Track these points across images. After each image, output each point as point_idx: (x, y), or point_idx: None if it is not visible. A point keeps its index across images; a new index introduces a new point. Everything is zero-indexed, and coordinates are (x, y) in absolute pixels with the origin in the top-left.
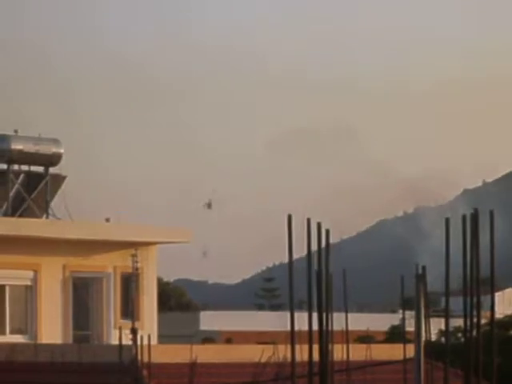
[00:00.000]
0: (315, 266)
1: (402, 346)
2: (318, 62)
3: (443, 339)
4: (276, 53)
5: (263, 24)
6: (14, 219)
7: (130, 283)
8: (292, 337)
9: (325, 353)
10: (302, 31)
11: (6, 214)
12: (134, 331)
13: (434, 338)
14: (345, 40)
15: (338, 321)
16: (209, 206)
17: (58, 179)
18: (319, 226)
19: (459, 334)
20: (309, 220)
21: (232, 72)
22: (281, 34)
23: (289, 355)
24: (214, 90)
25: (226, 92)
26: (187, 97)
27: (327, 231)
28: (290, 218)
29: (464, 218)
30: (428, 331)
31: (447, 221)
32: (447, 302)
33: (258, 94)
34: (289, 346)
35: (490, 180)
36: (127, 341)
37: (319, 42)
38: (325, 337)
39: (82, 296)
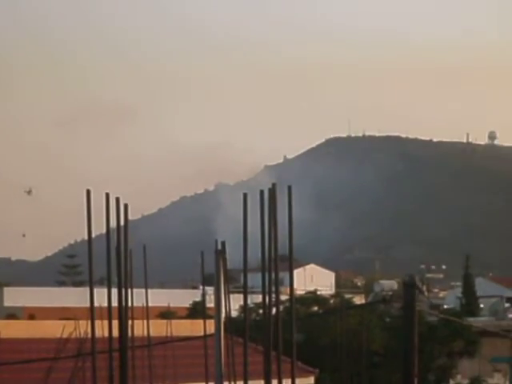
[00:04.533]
0: (115, 242)
1: (202, 321)
2: (97, 41)
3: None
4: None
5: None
6: None
7: None
8: (91, 312)
9: (124, 329)
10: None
11: None
12: None
13: (235, 314)
14: (123, 22)
15: (138, 297)
16: (29, 192)
17: None
18: (118, 200)
19: (260, 311)
20: (107, 195)
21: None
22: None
23: (90, 331)
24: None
25: (9, 68)
26: None
27: (125, 206)
28: (88, 192)
29: (262, 193)
30: (228, 307)
31: (245, 196)
32: (245, 278)
33: (42, 71)
34: (90, 322)
35: (291, 156)
36: None
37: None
38: (124, 313)
39: None
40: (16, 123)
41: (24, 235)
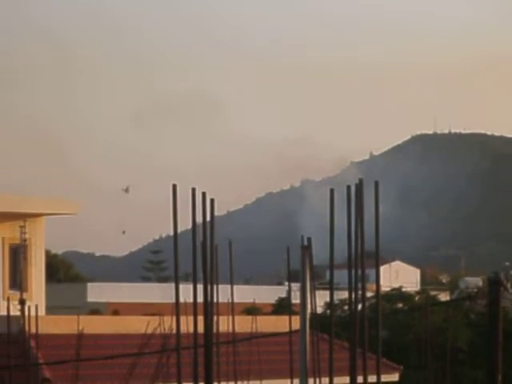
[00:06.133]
0: (201, 238)
1: (287, 317)
2: (176, 27)
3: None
4: (132, 24)
5: None
6: None
7: (18, 254)
8: (177, 308)
9: (209, 324)
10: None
11: None
12: (22, 302)
13: (320, 310)
14: (204, 7)
15: (224, 293)
16: (126, 190)
17: None
18: (204, 196)
19: (346, 307)
20: (194, 190)
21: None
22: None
23: (174, 327)
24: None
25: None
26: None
27: (212, 201)
28: (174, 188)
29: (349, 188)
30: (313, 303)
31: (332, 192)
32: (331, 274)
33: (117, 66)
34: (174, 318)
35: (377, 153)
36: (15, 311)
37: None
38: (209, 309)
39: None
40: (93, 123)
41: (124, 232)
